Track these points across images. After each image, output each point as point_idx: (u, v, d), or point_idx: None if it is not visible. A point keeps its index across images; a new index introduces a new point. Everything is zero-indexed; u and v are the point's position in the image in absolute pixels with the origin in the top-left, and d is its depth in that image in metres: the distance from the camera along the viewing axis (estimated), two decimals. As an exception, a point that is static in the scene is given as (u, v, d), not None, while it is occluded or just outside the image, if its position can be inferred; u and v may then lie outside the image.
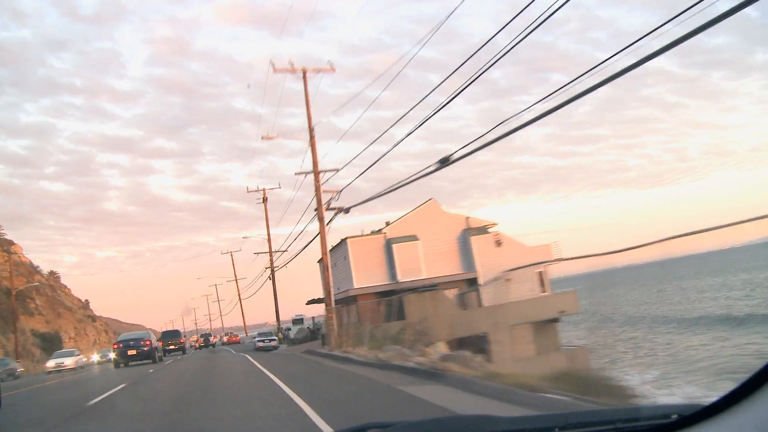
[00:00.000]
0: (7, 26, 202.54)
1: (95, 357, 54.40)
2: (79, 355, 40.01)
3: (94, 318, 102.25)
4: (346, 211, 28.30)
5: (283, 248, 50.93)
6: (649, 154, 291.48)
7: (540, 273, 35.27)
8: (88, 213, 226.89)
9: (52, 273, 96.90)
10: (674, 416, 2.15)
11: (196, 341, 76.49)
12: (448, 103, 13.54)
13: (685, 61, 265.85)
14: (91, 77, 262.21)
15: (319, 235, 28.47)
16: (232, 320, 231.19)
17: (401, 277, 32.76)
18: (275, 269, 55.61)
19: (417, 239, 33.50)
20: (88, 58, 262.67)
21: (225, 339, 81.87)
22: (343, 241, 32.97)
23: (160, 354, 30.99)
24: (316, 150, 29.25)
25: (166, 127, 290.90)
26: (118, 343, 29.55)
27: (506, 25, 10.38)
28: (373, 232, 34.48)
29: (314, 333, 52.06)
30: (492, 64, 10.98)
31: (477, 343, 31.91)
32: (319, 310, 61.87)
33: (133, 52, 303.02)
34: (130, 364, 28.09)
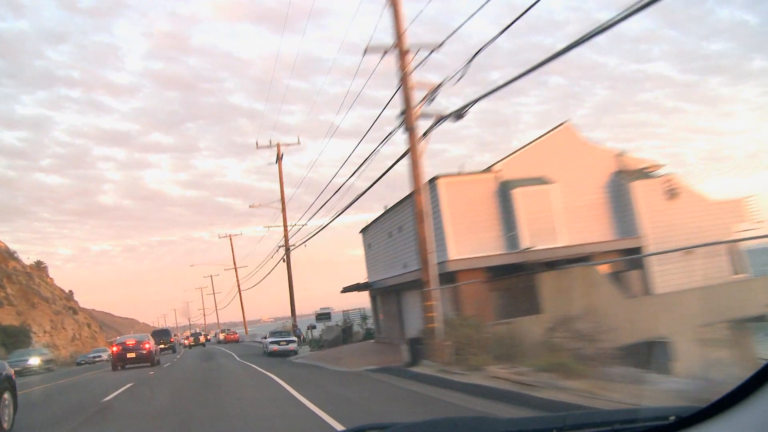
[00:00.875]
0: (4, 17, 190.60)
1: None
2: None
3: (75, 310, 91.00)
4: (459, 116, 15.18)
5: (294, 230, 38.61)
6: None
7: (731, 244, 22.29)
8: (83, 206, 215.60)
9: (39, 263, 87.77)
10: (672, 417, 2.08)
11: (186, 339, 72.28)
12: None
13: (684, 66, 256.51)
14: (89, 70, 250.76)
15: (409, 153, 15.34)
16: (229, 316, 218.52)
17: (527, 244, 19.59)
18: (290, 248, 42.56)
19: (550, 183, 20.30)
20: (86, 50, 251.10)
21: (221, 336, 71.15)
22: (432, 181, 19.55)
23: (158, 357, 30.28)
24: (400, 13, 16.28)
25: (163, 121, 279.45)
26: (117, 345, 28.91)
27: (480, 8, 11.12)
28: (471, 173, 21.14)
29: (346, 333, 39.24)
30: (481, 49, 11.64)
31: (643, 354, 19.29)
32: (359, 301, 49.22)
33: (132, 46, 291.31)
34: (127, 367, 27.48)
